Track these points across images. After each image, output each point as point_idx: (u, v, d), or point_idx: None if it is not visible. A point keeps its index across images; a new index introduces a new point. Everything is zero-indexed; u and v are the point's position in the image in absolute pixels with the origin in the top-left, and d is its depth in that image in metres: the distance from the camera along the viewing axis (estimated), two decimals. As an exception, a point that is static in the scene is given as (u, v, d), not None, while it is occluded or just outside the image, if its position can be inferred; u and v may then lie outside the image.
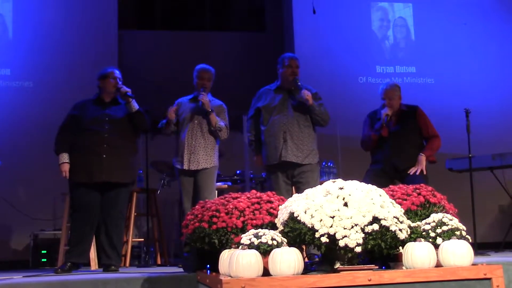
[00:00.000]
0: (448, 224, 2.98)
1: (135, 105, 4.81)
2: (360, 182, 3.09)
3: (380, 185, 3.30)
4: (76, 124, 4.72)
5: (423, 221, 3.08)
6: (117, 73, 4.88)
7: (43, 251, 6.39)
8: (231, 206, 3.23)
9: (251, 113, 5.20)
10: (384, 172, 5.14)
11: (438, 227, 2.98)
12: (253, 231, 2.92)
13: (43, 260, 6.37)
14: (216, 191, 5.96)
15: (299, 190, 4.58)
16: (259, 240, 2.82)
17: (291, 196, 3.19)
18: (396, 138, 5.14)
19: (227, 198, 3.36)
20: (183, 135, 5.11)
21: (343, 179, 3.07)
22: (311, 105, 4.90)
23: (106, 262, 4.70)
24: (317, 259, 3.54)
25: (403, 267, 2.89)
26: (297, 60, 5.10)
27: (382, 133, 5.15)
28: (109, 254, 4.69)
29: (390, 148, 5.13)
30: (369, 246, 2.80)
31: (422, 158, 5.08)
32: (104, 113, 4.75)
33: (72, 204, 4.76)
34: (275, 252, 2.75)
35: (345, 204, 2.87)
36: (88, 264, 5.42)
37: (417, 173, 5.02)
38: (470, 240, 2.96)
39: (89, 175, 4.61)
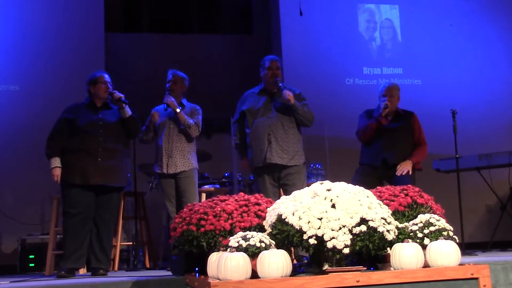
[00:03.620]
0: (435, 225, 3.00)
1: (128, 111, 4.83)
2: (348, 183, 3.10)
3: (368, 185, 3.31)
4: (70, 127, 4.71)
5: (411, 222, 3.09)
6: (106, 77, 4.89)
7: (30, 256, 6.35)
8: (219, 209, 3.22)
9: (236, 116, 5.22)
10: (373, 169, 5.21)
11: (426, 228, 2.99)
12: (241, 233, 2.91)
13: (30, 265, 6.32)
14: (204, 194, 5.97)
15: (286, 192, 4.59)
16: (247, 242, 2.82)
17: (278, 199, 3.19)
18: (390, 135, 5.24)
19: (215, 201, 3.36)
20: (160, 140, 5.22)
21: (331, 181, 3.08)
22: (293, 105, 4.91)
23: (95, 265, 4.68)
24: (305, 260, 3.55)
25: (391, 268, 2.90)
26: (278, 61, 5.12)
27: (381, 120, 5.20)
28: (99, 258, 4.68)
29: (383, 143, 5.21)
30: (357, 248, 2.81)
31: (409, 163, 5.15)
32: (98, 117, 4.76)
33: (67, 207, 4.65)
34: (263, 255, 2.75)
35: (333, 206, 2.87)
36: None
37: (404, 173, 5.08)
38: (457, 240, 2.98)
39: (84, 178, 4.60)
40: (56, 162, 4.65)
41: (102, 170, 4.62)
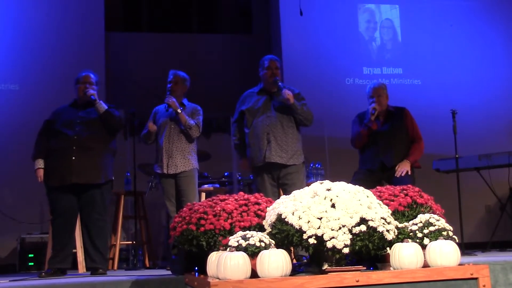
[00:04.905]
0: (435, 225, 2.99)
1: (102, 106, 4.81)
2: (348, 183, 3.09)
3: (368, 186, 3.31)
4: (50, 129, 4.79)
5: (410, 222, 3.08)
6: (91, 77, 4.92)
7: (30, 255, 6.36)
8: (218, 208, 3.22)
9: (235, 116, 5.22)
10: (372, 172, 5.18)
11: (425, 228, 2.99)
12: (241, 233, 2.91)
13: (30, 264, 6.33)
14: (204, 193, 5.97)
15: (286, 192, 4.59)
16: (247, 242, 2.82)
17: (277, 198, 3.19)
18: (384, 137, 5.20)
19: (214, 200, 3.36)
20: (160, 140, 5.22)
21: (331, 181, 3.07)
22: (292, 104, 4.91)
23: (91, 265, 4.70)
24: (305, 260, 3.55)
25: (391, 268, 2.90)
26: (277, 61, 5.13)
27: (372, 126, 5.18)
28: (93, 257, 4.68)
29: (378, 146, 5.18)
30: (357, 247, 2.80)
31: (407, 163, 5.13)
32: (77, 116, 4.79)
33: (50, 209, 4.79)
34: (263, 254, 2.75)
35: (333, 206, 2.87)
36: (75, 267, 5.39)
37: (403, 174, 5.06)
38: (457, 240, 2.97)
39: (60, 178, 4.64)
40: (39, 163, 4.76)
41: (77, 169, 4.62)
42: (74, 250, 5.04)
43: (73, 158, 4.63)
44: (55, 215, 4.72)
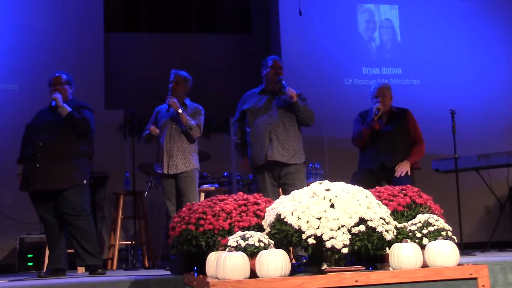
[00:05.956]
0: (434, 225, 2.99)
1: (64, 110, 4.73)
2: (347, 183, 3.09)
3: (367, 186, 3.31)
4: (27, 134, 4.84)
5: (410, 222, 3.09)
6: (62, 78, 4.90)
7: (29, 255, 6.35)
8: (218, 208, 3.22)
9: (236, 116, 5.22)
10: (372, 171, 5.18)
11: (424, 228, 2.99)
12: (240, 233, 2.91)
13: (29, 264, 6.33)
14: (203, 194, 5.97)
15: (286, 192, 4.59)
16: (246, 242, 2.82)
17: (277, 198, 3.19)
18: (386, 137, 5.20)
19: (214, 200, 3.36)
20: (161, 140, 5.20)
21: (330, 181, 3.08)
22: (295, 102, 4.91)
23: (81, 264, 4.73)
24: (304, 260, 3.55)
25: (390, 268, 2.90)
26: (280, 61, 5.15)
27: (374, 126, 5.18)
28: (81, 256, 4.66)
29: (379, 146, 5.18)
30: (356, 247, 2.80)
31: (407, 163, 5.13)
32: (47, 120, 4.76)
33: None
34: (262, 254, 2.75)
35: (332, 206, 2.87)
36: (75, 268, 5.40)
37: (402, 174, 5.06)
38: (456, 240, 2.97)
39: (27, 185, 4.66)
40: (19, 169, 4.84)
41: (40, 176, 4.60)
42: (71, 250, 5.03)
43: (37, 165, 4.61)
44: (40, 219, 4.80)
